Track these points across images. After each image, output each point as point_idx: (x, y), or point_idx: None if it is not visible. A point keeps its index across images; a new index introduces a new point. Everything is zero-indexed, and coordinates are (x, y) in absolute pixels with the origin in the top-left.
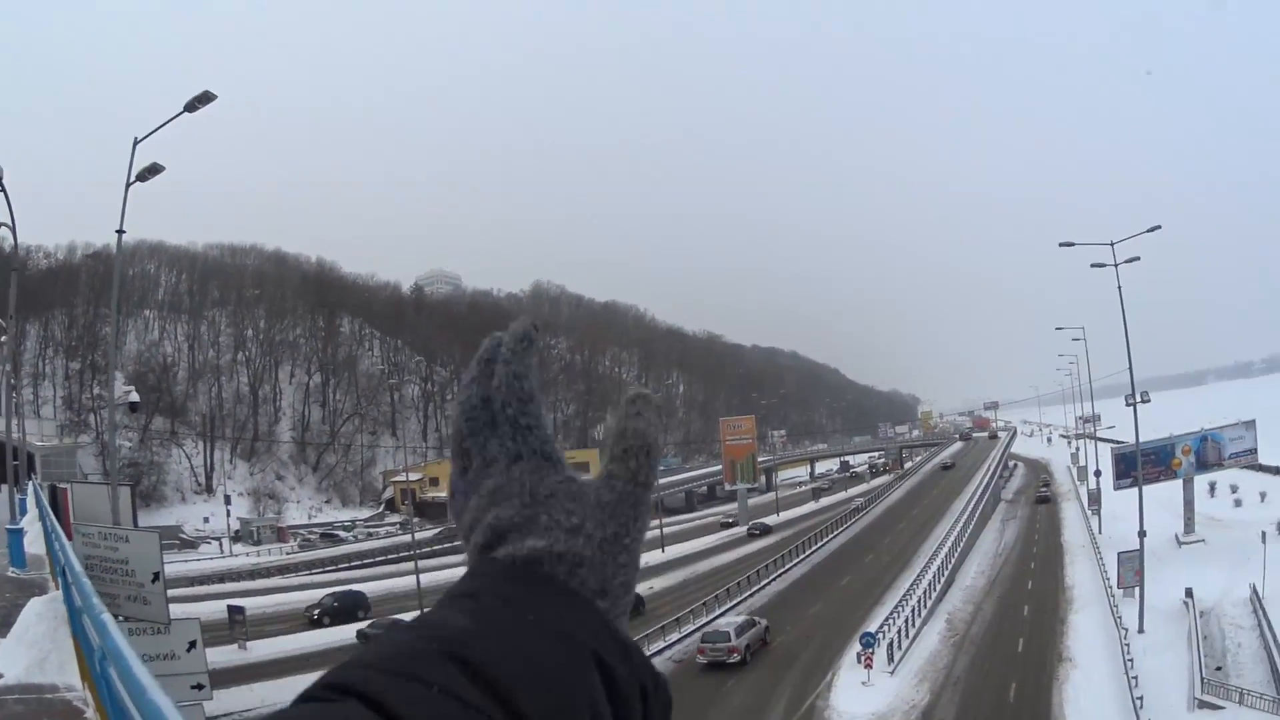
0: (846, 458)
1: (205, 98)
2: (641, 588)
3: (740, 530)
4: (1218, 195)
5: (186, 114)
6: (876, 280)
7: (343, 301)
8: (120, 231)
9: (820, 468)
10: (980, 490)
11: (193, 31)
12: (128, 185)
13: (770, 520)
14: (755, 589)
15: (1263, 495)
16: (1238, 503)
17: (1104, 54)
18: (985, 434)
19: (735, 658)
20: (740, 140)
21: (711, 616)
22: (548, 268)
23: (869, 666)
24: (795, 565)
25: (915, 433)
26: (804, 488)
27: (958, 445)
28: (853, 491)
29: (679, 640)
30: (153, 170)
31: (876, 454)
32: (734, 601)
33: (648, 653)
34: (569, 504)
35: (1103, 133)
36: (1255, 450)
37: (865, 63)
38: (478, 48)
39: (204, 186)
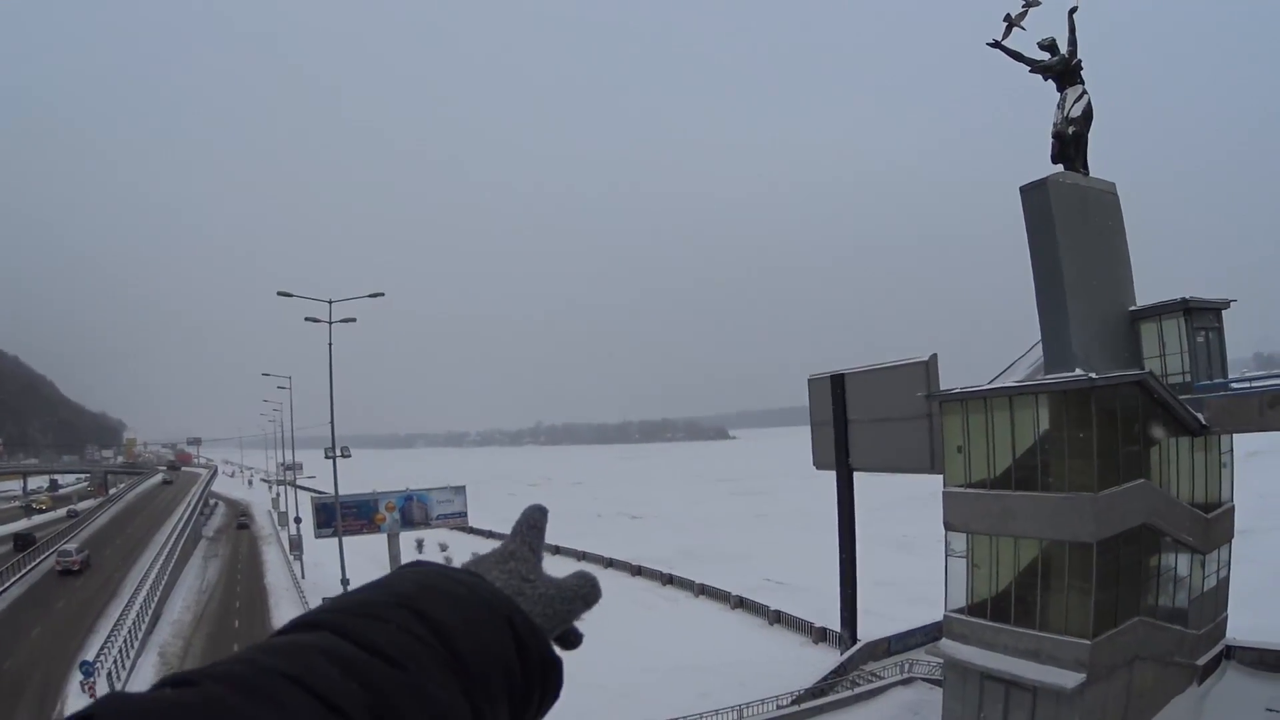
0: (56, 476)
1: None
2: None
3: None
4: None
5: None
6: (100, 296)
7: None
8: None
9: (32, 484)
10: (183, 524)
11: None
12: None
13: None
14: None
15: (474, 554)
16: (448, 560)
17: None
18: (186, 468)
19: (77, 567)
20: None
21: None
22: None
23: (93, 696)
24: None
25: (120, 458)
26: (16, 503)
27: (159, 477)
28: (61, 512)
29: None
30: None
31: (84, 475)
32: None
33: None
34: (533, 572)
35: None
36: (465, 514)
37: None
38: None
39: None
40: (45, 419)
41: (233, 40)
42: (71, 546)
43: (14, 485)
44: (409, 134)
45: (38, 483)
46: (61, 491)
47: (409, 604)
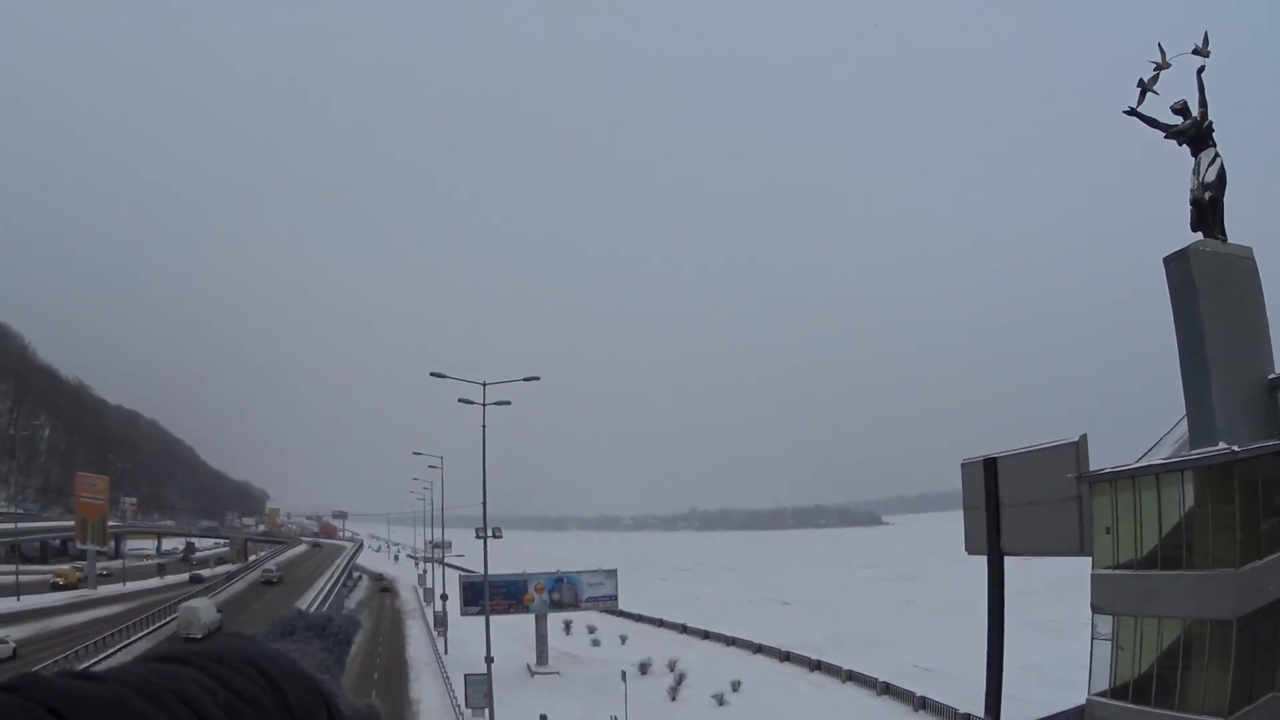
0: (193, 539)
1: None
2: None
3: None
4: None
5: None
6: (245, 368)
7: None
8: None
9: (166, 544)
10: (324, 594)
11: None
12: None
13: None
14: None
15: (623, 638)
16: (595, 642)
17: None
18: (330, 541)
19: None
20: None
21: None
22: None
23: None
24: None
25: (261, 527)
26: (151, 561)
27: (302, 548)
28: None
29: None
30: None
31: (222, 541)
32: None
33: None
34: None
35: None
36: (615, 597)
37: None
38: None
39: None
40: (184, 483)
41: (404, 115)
42: (273, 565)
43: (148, 544)
44: (562, 221)
45: (173, 544)
46: (197, 555)
47: (253, 662)
